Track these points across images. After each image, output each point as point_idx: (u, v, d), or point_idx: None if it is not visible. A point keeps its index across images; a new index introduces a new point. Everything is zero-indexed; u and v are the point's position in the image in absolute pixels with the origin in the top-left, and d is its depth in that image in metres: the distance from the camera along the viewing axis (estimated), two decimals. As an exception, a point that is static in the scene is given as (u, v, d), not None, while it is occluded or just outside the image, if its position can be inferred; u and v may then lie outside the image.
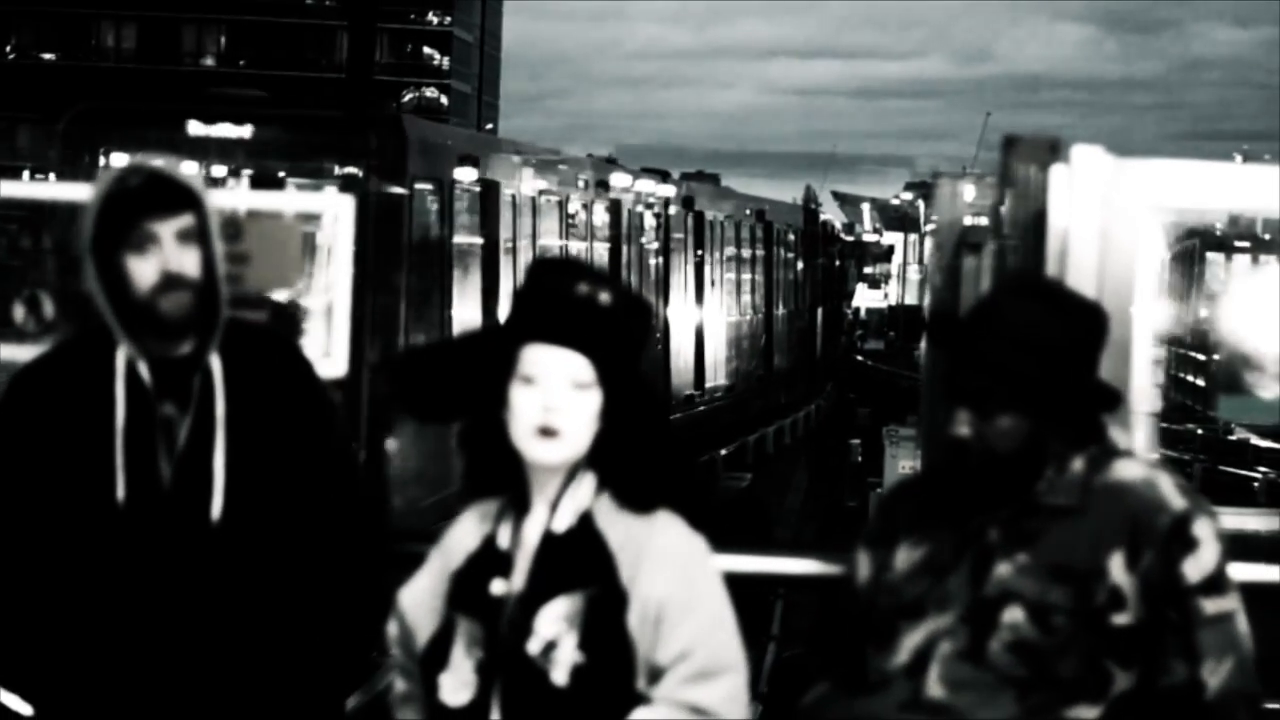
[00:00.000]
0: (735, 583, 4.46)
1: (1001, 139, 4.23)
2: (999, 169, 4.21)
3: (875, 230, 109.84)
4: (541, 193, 18.77)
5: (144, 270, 3.61)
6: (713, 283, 25.87)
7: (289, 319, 4.09)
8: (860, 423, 33.06)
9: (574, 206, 20.34)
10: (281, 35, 76.37)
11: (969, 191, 4.31)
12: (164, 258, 3.61)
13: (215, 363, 3.66)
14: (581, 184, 20.62)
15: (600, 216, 21.08)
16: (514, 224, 17.32)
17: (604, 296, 3.43)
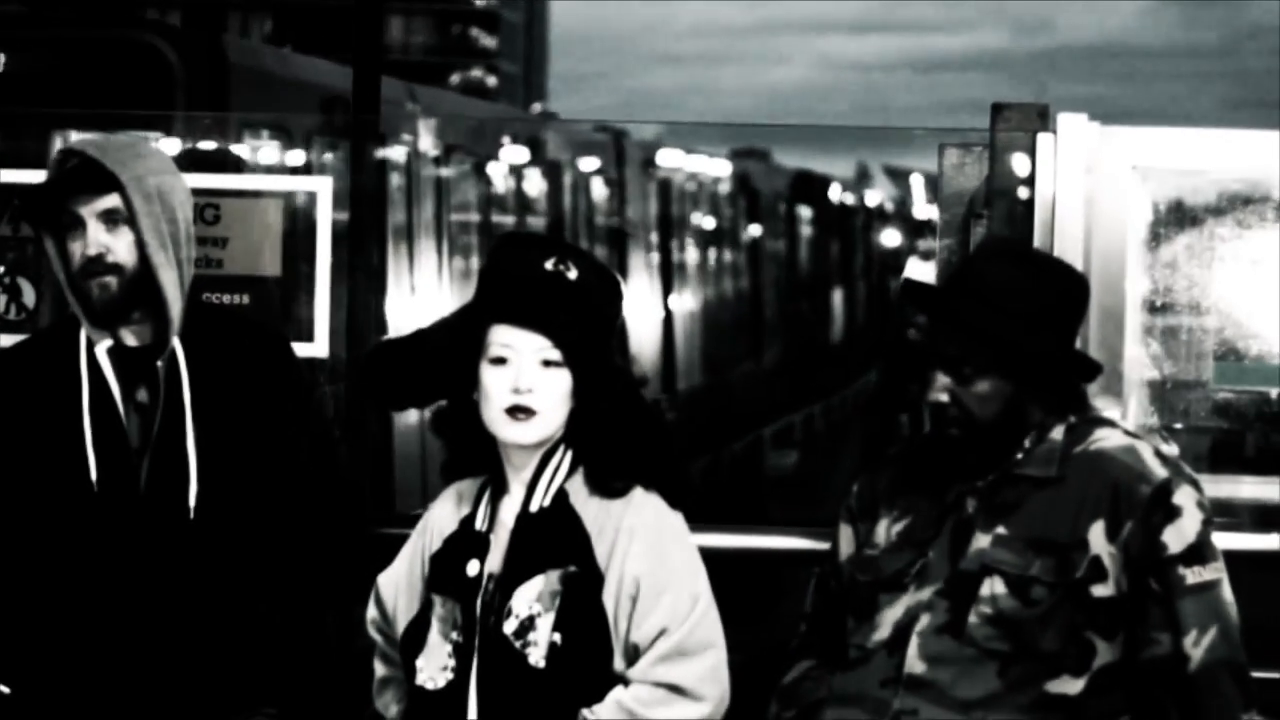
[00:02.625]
0: (778, 560, 4.44)
1: (991, 108, 4.18)
2: (989, 138, 4.16)
3: (930, 203, 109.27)
4: (450, 151, 14.04)
5: (74, 252, 3.61)
6: (681, 265, 21.19)
7: (270, 301, 4.09)
8: (910, 398, 32.91)
9: (496, 171, 15.53)
10: (328, 19, 76.38)
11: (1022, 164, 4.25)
12: (86, 240, 3.59)
13: (178, 348, 3.64)
14: (506, 143, 15.81)
15: (536, 185, 16.38)
16: (409, 194, 13.14)
17: (572, 273, 3.40)
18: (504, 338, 3.39)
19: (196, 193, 3.89)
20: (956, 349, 3.46)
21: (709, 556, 3.57)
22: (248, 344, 3.75)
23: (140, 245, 3.59)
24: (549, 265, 3.39)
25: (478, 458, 3.51)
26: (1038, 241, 4.04)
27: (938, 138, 4.50)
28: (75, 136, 3.87)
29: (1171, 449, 3.68)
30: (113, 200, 3.58)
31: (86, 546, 3.59)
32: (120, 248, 3.59)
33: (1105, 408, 3.89)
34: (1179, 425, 4.28)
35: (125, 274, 3.60)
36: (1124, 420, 3.94)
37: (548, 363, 3.38)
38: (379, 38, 6.53)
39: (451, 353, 3.43)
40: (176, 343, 3.63)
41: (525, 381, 3.37)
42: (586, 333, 3.40)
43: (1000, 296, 3.44)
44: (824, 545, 3.78)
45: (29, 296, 4.21)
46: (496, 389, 3.39)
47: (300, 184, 4.23)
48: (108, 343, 3.63)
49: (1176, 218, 4.11)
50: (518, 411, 3.38)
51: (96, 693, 3.60)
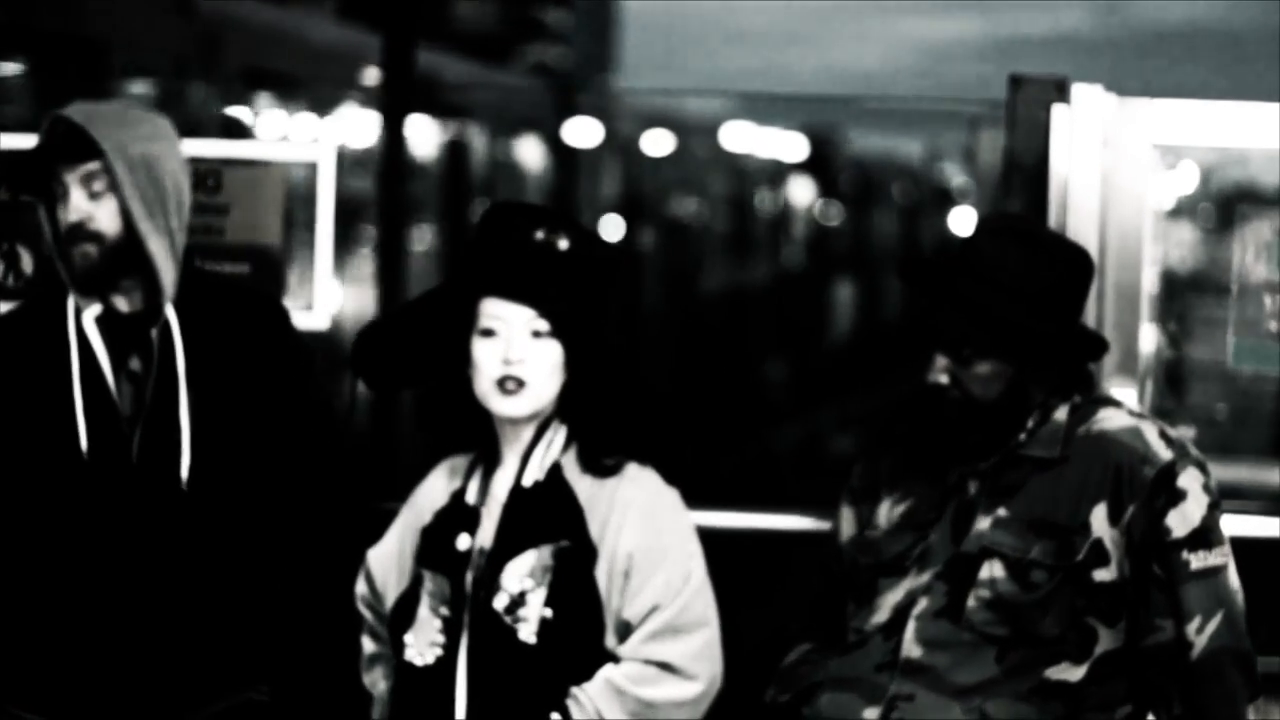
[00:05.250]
0: (788, 541, 4.38)
1: (1008, 80, 4.10)
2: (1005, 112, 4.08)
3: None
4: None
5: (61, 220, 3.57)
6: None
7: (271, 271, 4.04)
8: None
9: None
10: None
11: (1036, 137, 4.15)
12: (69, 207, 3.56)
13: (172, 316, 3.59)
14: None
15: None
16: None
17: (562, 243, 3.34)
18: (493, 309, 3.34)
19: (197, 160, 3.86)
20: (955, 330, 3.37)
21: (718, 536, 3.52)
22: (245, 312, 3.71)
23: (125, 213, 3.55)
24: (539, 235, 3.33)
25: (472, 435, 3.47)
26: (1053, 217, 3.96)
27: (966, 110, 4.43)
28: None
29: (1181, 430, 3.59)
30: (94, 167, 3.55)
31: (77, 516, 3.55)
32: (102, 215, 3.56)
33: (1120, 388, 3.81)
34: (1221, 405, 4.20)
35: (105, 242, 3.56)
36: (1138, 402, 3.86)
37: (538, 334, 3.34)
38: (412, 3, 6.46)
39: (442, 327, 3.39)
40: (170, 310, 3.59)
41: (515, 352, 3.33)
42: (577, 304, 3.34)
43: (1000, 275, 3.35)
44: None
45: (28, 264, 4.18)
46: (487, 361, 3.34)
47: (301, 153, 4.18)
48: (95, 310, 3.59)
49: (1197, 191, 4.02)
50: (508, 382, 3.33)
51: (85, 665, 3.56)
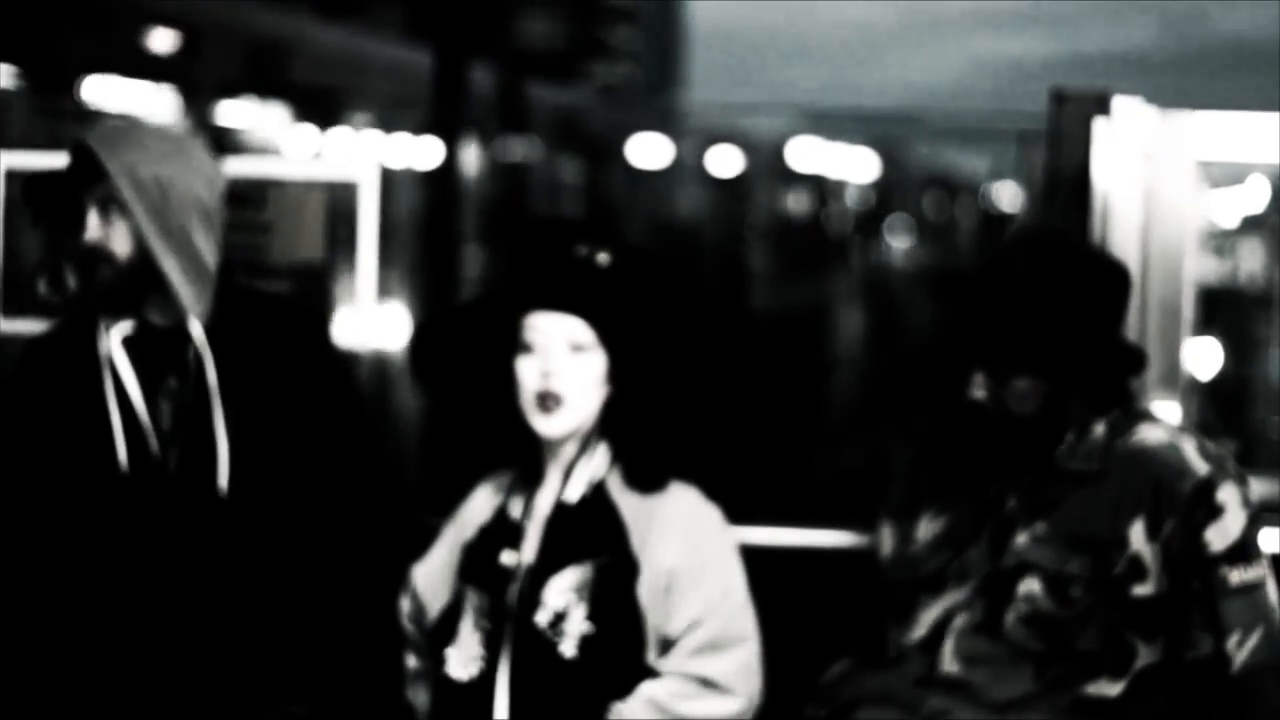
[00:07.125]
0: (839, 558, 4.37)
1: (1050, 94, 4.08)
2: (1047, 126, 4.06)
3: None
4: None
5: (82, 242, 3.61)
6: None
7: (314, 289, 4.05)
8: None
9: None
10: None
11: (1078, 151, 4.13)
12: (86, 229, 3.59)
13: (198, 332, 3.61)
14: None
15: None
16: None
17: (603, 256, 3.36)
18: (532, 323, 3.37)
19: (239, 179, 3.88)
20: (990, 345, 3.37)
21: (766, 554, 3.53)
22: (284, 325, 3.72)
23: (138, 234, 3.57)
24: (580, 251, 3.35)
25: (517, 449, 3.48)
26: (1095, 232, 3.95)
27: (1017, 126, 4.42)
28: None
29: (1224, 445, 3.57)
30: (107, 189, 3.57)
31: (116, 531, 3.57)
32: (115, 237, 3.58)
33: (1163, 403, 3.79)
34: (1276, 418, 4.17)
35: (117, 264, 3.58)
36: (1181, 417, 3.84)
37: (577, 348, 3.35)
38: (463, 22, 6.46)
39: (488, 346, 3.41)
40: (195, 325, 3.61)
41: (552, 364, 3.35)
42: (619, 318, 3.36)
43: (1035, 290, 3.34)
44: None
45: (72, 281, 4.21)
46: (526, 376, 3.37)
47: (343, 172, 4.19)
48: (125, 328, 3.63)
49: (1241, 205, 3.99)
50: (547, 399, 3.35)
51: (124, 680, 3.58)
